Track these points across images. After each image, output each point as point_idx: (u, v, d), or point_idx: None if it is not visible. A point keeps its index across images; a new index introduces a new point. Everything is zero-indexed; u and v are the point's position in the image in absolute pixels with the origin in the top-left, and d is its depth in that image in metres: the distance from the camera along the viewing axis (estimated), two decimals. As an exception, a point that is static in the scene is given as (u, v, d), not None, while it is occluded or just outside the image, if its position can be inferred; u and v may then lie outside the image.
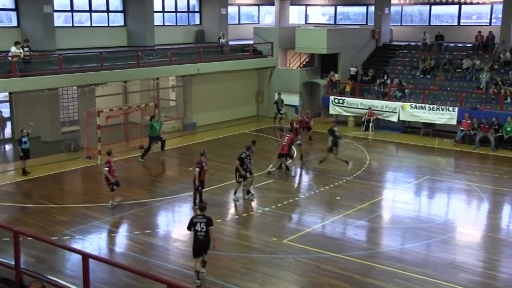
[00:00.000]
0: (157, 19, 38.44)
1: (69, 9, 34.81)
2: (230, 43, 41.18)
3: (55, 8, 32.49)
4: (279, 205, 22.54)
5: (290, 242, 18.86)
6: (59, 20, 33.42)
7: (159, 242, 19.16)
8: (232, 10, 44.76)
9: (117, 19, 36.96)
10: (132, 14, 37.01)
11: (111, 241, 19.54)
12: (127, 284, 15.28)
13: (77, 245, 17.95)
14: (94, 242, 18.99)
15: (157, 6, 38.78)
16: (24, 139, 24.92)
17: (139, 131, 31.53)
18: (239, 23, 46.92)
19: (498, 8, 40.23)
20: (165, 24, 40.16)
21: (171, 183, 25.85)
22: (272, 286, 16.26)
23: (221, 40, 40.40)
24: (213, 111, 37.38)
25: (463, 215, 22.94)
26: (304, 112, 34.31)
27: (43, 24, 31.32)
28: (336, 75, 39.69)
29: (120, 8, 36.95)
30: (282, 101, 36.90)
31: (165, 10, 40.26)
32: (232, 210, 22.51)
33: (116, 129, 31.09)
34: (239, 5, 46.67)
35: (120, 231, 20.25)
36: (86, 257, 10.87)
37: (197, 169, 21.07)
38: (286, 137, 26.65)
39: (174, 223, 21.42)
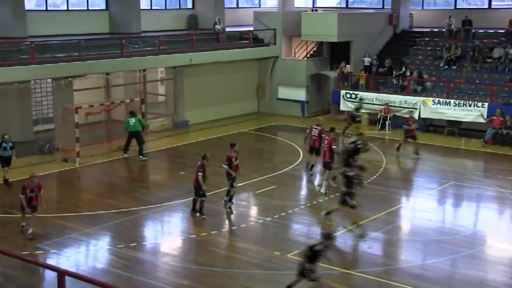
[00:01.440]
0: (144, 2, 38.39)
1: (43, -11, 34.73)
2: (227, 29, 41.30)
3: (27, -12, 32.40)
4: (283, 214, 22.48)
5: (295, 256, 18.81)
6: (30, 2, 33.24)
7: (146, 257, 19.09)
8: (229, -8, 44.83)
9: (98, 2, 36.91)
10: (116, -3, 37.01)
11: (91, 255, 19.47)
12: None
13: (52, 261, 17.89)
14: (71, 257, 18.90)
15: (144, -12, 38.80)
16: (4, 145, 24.52)
17: (123, 130, 31.43)
18: (238, 7, 46.90)
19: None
20: (153, 8, 40.20)
21: (159, 189, 25.82)
22: None
23: (216, 26, 40.45)
24: (208, 108, 37.39)
25: (493, 227, 22.87)
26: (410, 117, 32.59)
27: (12, 7, 31.18)
28: (347, 66, 39.78)
29: (102, -10, 36.95)
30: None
31: (153, -8, 40.32)
32: (229, 220, 22.47)
33: (97, 127, 31.04)
34: (237, -13, 46.80)
35: (102, 244, 20.09)
36: (62, 274, 10.79)
37: (199, 173, 21.41)
38: (326, 139, 25.21)
39: (163, 235, 21.30)
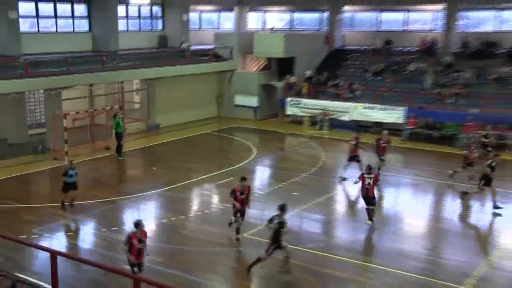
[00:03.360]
0: (121, 25, 38.02)
1: (35, 15, 34.12)
2: (192, 47, 41.12)
3: (21, 14, 31.73)
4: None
5: (252, 236, 18.84)
6: (24, 25, 32.71)
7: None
8: (193, 16, 44.49)
9: (82, 25, 36.40)
10: (97, 20, 36.48)
11: (79, 238, 19.23)
12: (95, 280, 15.04)
13: (45, 243, 17.65)
14: (62, 240, 18.68)
15: (121, 12, 38.35)
16: (70, 172, 21.09)
17: (105, 133, 31.23)
18: (200, 29, 46.69)
19: (440, 15, 40.74)
20: (129, 29, 39.74)
21: (136, 182, 25.56)
22: (236, 278, 16.23)
23: (183, 45, 40.34)
24: (176, 113, 37.19)
25: (410, 207, 23.22)
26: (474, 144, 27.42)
27: (8, 30, 30.59)
28: (292, 77, 39.83)
29: (85, 14, 36.39)
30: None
31: (129, 16, 39.84)
32: (195, 207, 22.42)
33: (82, 131, 30.68)
34: (200, 11, 46.45)
35: (88, 229, 19.91)
36: (54, 254, 10.65)
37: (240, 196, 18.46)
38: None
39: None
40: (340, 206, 23.33)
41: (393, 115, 34.90)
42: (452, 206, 23.42)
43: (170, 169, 26.88)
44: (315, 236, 19.38)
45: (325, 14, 45.21)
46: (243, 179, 18.56)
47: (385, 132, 27.29)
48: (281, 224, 15.62)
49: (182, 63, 37.51)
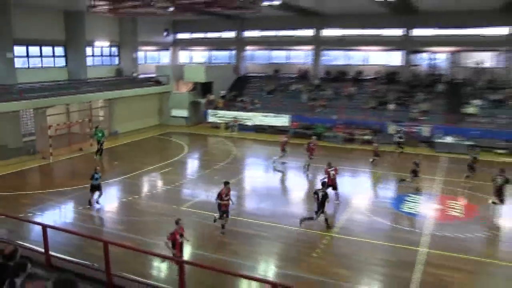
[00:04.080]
0: (89, 61, 37.13)
1: (26, 55, 32.92)
2: (140, 76, 40.66)
3: (16, 54, 30.54)
4: (177, 183, 22.65)
5: (187, 208, 19.04)
6: (18, 63, 31.49)
7: (97, 214, 18.77)
8: (141, 54, 43.86)
9: (61, 62, 35.33)
10: (71, 58, 35.49)
11: (63, 215, 18.94)
12: (77, 245, 14.92)
13: (38, 219, 17.35)
14: (50, 216, 18.37)
15: (89, 52, 37.45)
16: (96, 176, 19.40)
17: (79, 138, 30.57)
18: (146, 63, 46.04)
19: (310, 53, 41.92)
20: (95, 64, 38.81)
21: (103, 173, 25.02)
22: None
23: (133, 74, 39.82)
24: (130, 122, 36.60)
25: (293, 180, 23.80)
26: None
27: (6, 66, 29.38)
28: (211, 96, 40.02)
29: (63, 54, 35.36)
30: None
31: (94, 54, 38.92)
32: (145, 188, 22.34)
33: (62, 137, 29.90)
34: (145, 51, 45.85)
35: (69, 208, 19.56)
36: (45, 227, 10.63)
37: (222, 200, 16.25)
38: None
39: (107, 200, 20.69)
40: (248, 184, 23.54)
41: (282, 120, 35.75)
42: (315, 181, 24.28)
43: (127, 163, 26.67)
44: (231, 206, 19.52)
45: (233, 52, 45.56)
46: (227, 183, 16.39)
47: (314, 137, 26.95)
48: (325, 195, 16.66)
49: (133, 87, 37.01)
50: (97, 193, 19.37)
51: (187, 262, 10.43)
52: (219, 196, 16.20)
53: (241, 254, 14.90)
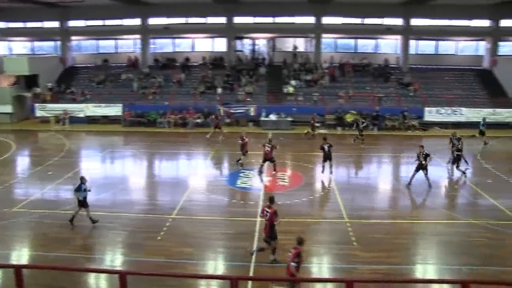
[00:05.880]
0: None
1: None
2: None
3: None
4: (6, 185, 20.38)
5: (20, 208, 17.40)
6: None
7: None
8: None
9: None
10: None
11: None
12: None
13: None
14: None
15: None
16: (84, 187, 16.01)
17: None
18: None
19: (138, 42, 41.05)
20: None
21: None
22: (10, 244, 14.68)
23: None
24: None
25: (131, 171, 23.16)
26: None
27: None
28: (37, 89, 36.89)
29: None
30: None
31: None
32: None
33: None
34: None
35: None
36: None
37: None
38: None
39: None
40: (85, 177, 22.19)
41: (114, 109, 34.52)
42: (176, 167, 24.24)
43: None
44: (69, 201, 17.83)
45: (59, 42, 42.34)
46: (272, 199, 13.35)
47: (244, 133, 24.07)
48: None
49: None
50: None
51: (24, 266, 9.46)
52: (262, 212, 13.46)
53: (86, 248, 14.21)
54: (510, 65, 37.66)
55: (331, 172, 21.52)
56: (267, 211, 13.06)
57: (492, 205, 17.94)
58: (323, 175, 21.31)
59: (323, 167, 21.47)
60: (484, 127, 28.29)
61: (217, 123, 29.62)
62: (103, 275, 12.64)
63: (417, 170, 19.77)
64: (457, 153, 21.60)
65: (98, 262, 13.34)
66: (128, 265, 13.16)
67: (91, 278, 12.51)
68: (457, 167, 21.51)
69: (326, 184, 20.47)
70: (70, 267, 11.45)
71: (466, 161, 22.81)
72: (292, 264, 10.58)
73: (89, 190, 16.01)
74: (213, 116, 31.30)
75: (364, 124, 29.58)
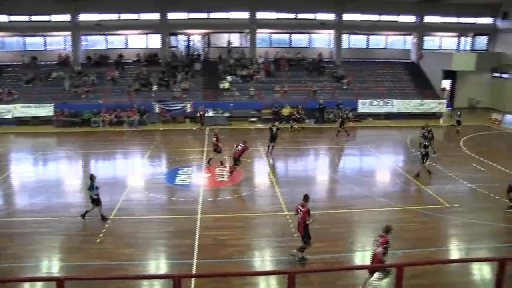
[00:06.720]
0: None
1: None
2: None
3: None
4: None
5: None
6: None
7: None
8: None
9: None
10: None
11: None
12: None
13: None
14: None
15: None
16: (95, 185, 15.74)
17: None
18: None
19: (69, 38, 39.48)
20: None
21: None
22: None
23: None
24: None
25: (66, 173, 22.28)
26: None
27: None
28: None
29: None
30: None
31: None
32: None
33: None
34: None
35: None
36: None
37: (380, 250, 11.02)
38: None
39: None
40: (16, 181, 20.85)
41: (45, 110, 32.93)
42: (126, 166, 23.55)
43: None
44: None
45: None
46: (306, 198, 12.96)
47: (217, 130, 23.68)
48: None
49: None
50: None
51: None
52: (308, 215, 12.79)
53: (20, 256, 13.48)
54: (434, 59, 39.81)
55: (271, 153, 23.80)
56: (300, 209, 12.74)
57: (423, 191, 18.93)
58: (263, 169, 21.52)
59: (268, 146, 23.90)
60: (460, 117, 30.10)
61: (201, 118, 30.61)
62: (39, 283, 12.09)
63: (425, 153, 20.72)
64: (424, 150, 20.94)
65: (33, 270, 12.74)
66: (66, 271, 12.69)
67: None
68: (423, 162, 20.97)
69: (265, 178, 20.69)
70: (1, 278, 10.85)
71: (434, 152, 23.59)
72: (379, 250, 10.86)
73: (98, 187, 15.90)
74: (199, 113, 31.11)
75: (299, 117, 30.23)
